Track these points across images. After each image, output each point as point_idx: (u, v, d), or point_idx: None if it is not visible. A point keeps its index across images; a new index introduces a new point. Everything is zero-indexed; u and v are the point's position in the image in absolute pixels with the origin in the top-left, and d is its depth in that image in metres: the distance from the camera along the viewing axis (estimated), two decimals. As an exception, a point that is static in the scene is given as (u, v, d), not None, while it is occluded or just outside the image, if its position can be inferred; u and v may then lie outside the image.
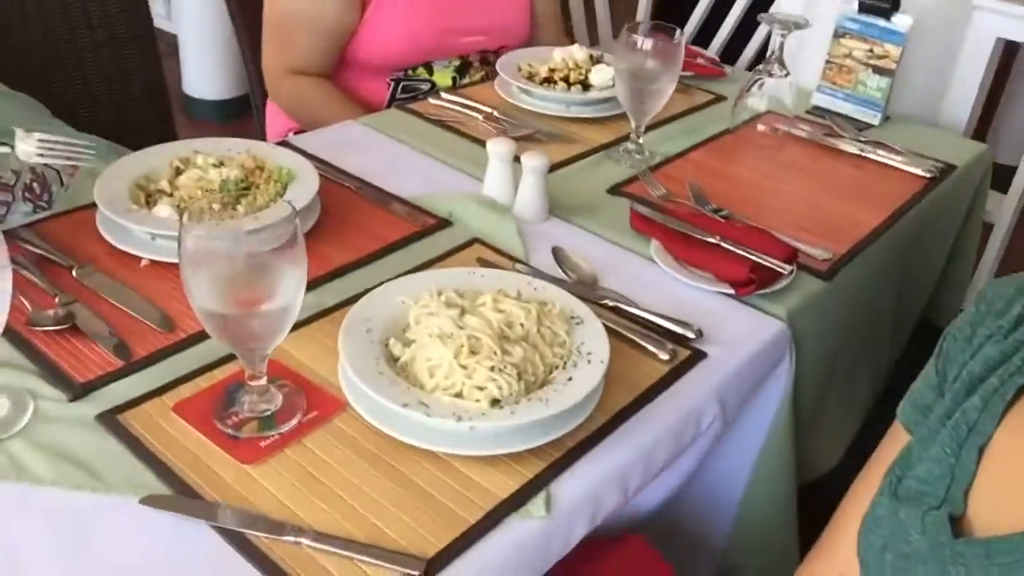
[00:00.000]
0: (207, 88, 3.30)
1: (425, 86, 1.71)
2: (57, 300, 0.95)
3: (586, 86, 1.55)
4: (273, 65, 1.68)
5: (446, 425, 0.78)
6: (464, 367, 0.81)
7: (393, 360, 0.87)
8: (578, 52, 1.59)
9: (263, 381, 0.82)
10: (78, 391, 0.85)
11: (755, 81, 1.49)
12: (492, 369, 0.81)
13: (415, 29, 1.63)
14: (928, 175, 1.41)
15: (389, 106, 1.70)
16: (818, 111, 1.62)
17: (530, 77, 1.57)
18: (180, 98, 3.29)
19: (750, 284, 1.06)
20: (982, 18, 1.70)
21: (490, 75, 1.76)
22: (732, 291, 1.07)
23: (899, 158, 1.45)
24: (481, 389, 0.81)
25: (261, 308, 0.76)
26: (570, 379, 0.84)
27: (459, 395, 0.81)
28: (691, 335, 0.99)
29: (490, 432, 0.79)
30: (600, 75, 1.55)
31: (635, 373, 0.93)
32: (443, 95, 1.57)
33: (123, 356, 0.89)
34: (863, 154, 1.46)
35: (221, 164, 1.14)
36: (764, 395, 1.06)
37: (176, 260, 1.00)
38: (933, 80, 1.73)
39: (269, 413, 0.83)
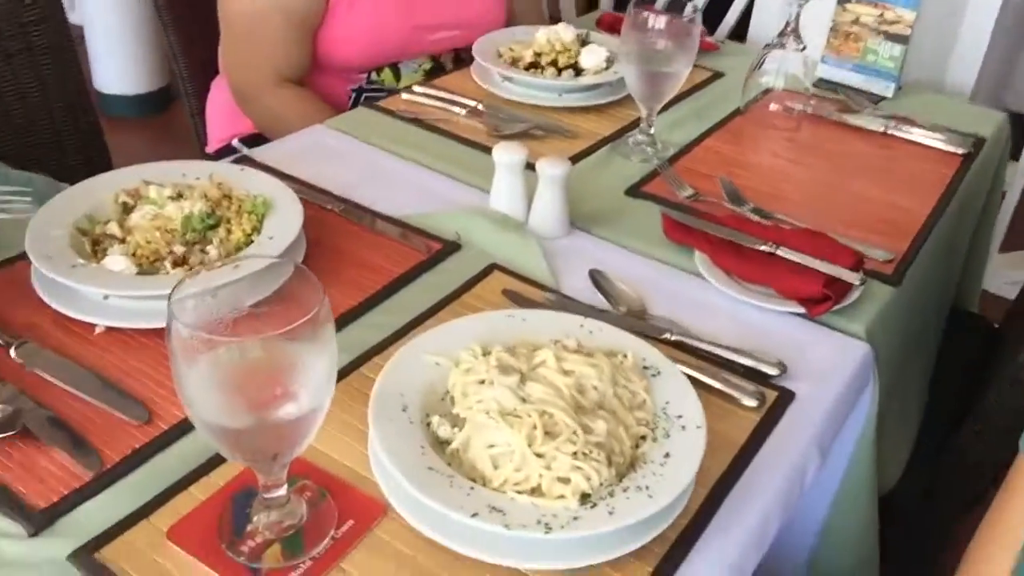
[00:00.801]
0: (121, 83, 3.00)
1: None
2: (-7, 393, 0.75)
3: (577, 70, 1.38)
4: (247, 76, 1.45)
5: (530, 535, 0.61)
6: (540, 455, 0.65)
7: (439, 443, 0.69)
8: (565, 32, 1.41)
9: (283, 491, 0.64)
10: (40, 521, 0.65)
11: (767, 56, 1.34)
12: (575, 455, 0.65)
13: (381, 23, 1.43)
14: (961, 152, 1.29)
15: (350, 113, 1.50)
16: (824, 84, 1.48)
17: (513, 63, 1.39)
18: (92, 95, 2.99)
19: (826, 301, 0.91)
20: (991, -27, 1.59)
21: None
22: (803, 310, 0.92)
23: (928, 134, 1.32)
24: (564, 481, 0.64)
25: (282, 412, 0.57)
26: (667, 455, 0.68)
27: (535, 490, 0.65)
28: (774, 372, 0.84)
29: (585, 538, 0.62)
30: (592, 57, 1.38)
31: (724, 427, 0.77)
32: (416, 88, 1.38)
33: (92, 465, 0.70)
34: (888, 131, 1.33)
35: (180, 196, 0.94)
36: (847, 423, 0.92)
37: (140, 324, 0.83)
38: (939, 42, 1.61)
39: (294, 531, 0.65)
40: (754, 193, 1.14)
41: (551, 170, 1.00)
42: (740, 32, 1.98)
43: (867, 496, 0.97)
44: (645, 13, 1.14)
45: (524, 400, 0.68)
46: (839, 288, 0.93)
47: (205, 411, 0.57)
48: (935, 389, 1.33)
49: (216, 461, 0.71)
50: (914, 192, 1.19)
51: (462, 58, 1.55)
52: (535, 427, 0.65)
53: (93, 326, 0.83)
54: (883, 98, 1.46)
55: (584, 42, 1.42)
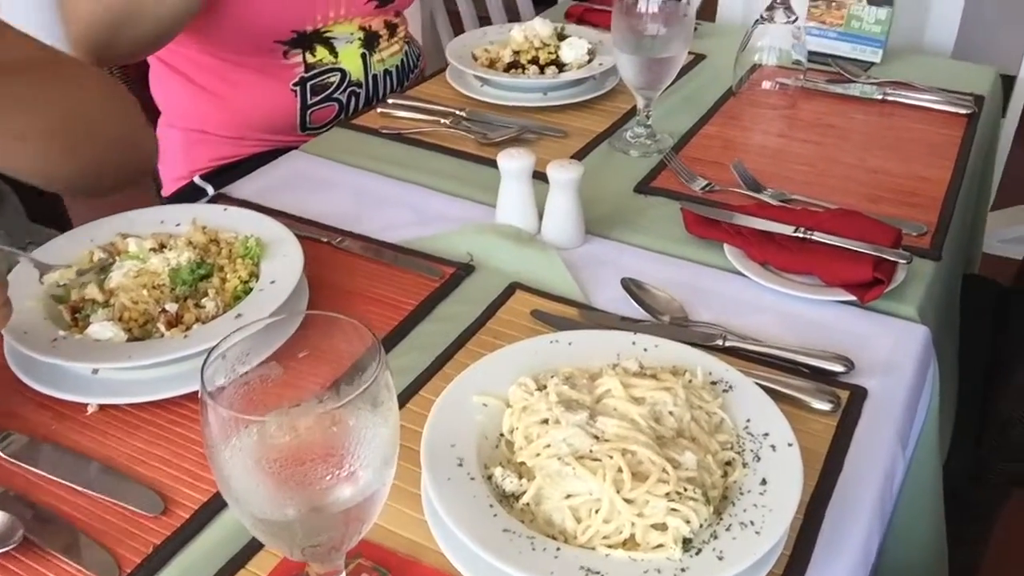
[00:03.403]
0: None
1: (335, 76, 1.40)
2: (-19, 500, 0.65)
3: (559, 66, 1.30)
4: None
5: (636, 597, 0.54)
6: (629, 501, 0.57)
7: (505, 498, 0.61)
8: (542, 27, 1.34)
9: (341, 579, 0.55)
10: (56, 651, 0.56)
11: (754, 32, 1.28)
12: (668, 496, 0.57)
13: None
14: (965, 112, 1.25)
15: (303, 116, 1.40)
16: (811, 56, 1.43)
17: (491, 65, 1.31)
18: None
19: (877, 285, 0.85)
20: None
21: (404, 48, 1.47)
22: (853, 297, 0.86)
23: (927, 97, 1.28)
24: (661, 528, 0.57)
25: (343, 496, 0.49)
26: (764, 482, 0.60)
27: (627, 542, 0.57)
28: (840, 368, 0.78)
29: (696, 592, 0.55)
30: (572, 51, 1.31)
31: (800, 437, 0.70)
32: (391, 101, 1.29)
33: (109, 572, 0.60)
34: (887, 98, 1.28)
35: (162, 246, 0.84)
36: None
37: (139, 398, 0.73)
38: (916, 2, 1.56)
39: (358, 624, 0.56)
40: (766, 176, 1.08)
41: (564, 174, 0.93)
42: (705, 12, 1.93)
43: (934, 484, 0.91)
44: (634, -2, 1.07)
45: (598, 439, 0.60)
46: (887, 269, 0.87)
47: (254, 503, 0.48)
48: (965, 359, 1.28)
49: (251, 550, 0.62)
50: (929, 159, 1.14)
51: (393, 24, 1.45)
52: (620, 470, 0.57)
53: (84, 406, 0.73)
54: (872, 64, 1.41)
55: (561, 36, 1.35)
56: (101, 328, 0.75)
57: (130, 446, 0.71)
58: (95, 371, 0.74)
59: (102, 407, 0.74)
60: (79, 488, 0.66)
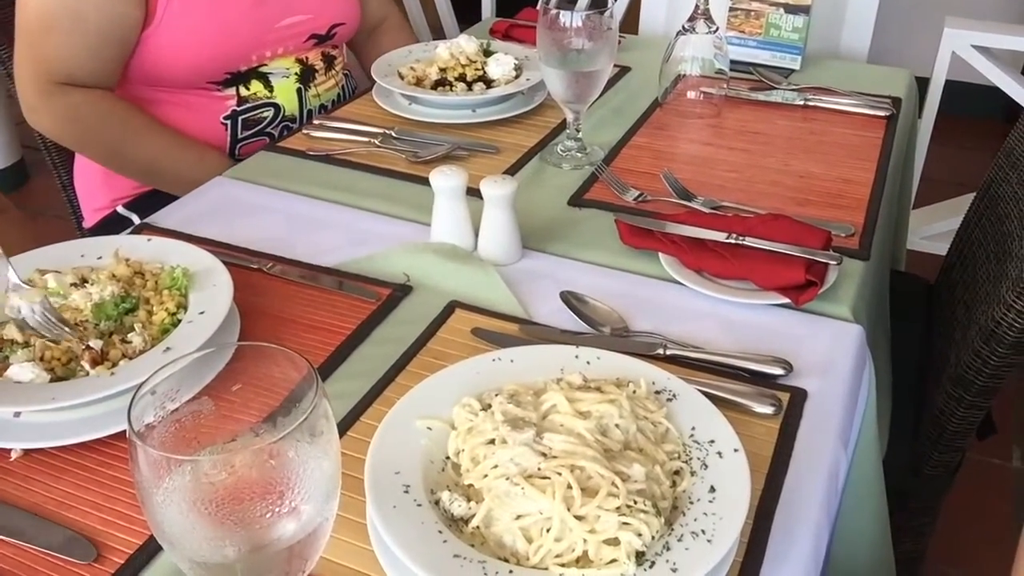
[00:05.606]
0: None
1: (268, 111, 1.38)
2: None
3: (486, 82, 1.30)
4: (28, 77, 1.26)
5: (592, 616, 0.53)
6: (580, 517, 0.56)
7: (454, 522, 0.60)
8: (467, 44, 1.33)
9: (287, 619, 0.53)
10: None
11: (677, 43, 1.29)
12: (619, 510, 0.57)
13: (223, 15, 1.28)
14: (884, 114, 1.28)
15: (233, 149, 1.37)
16: (733, 64, 1.45)
17: (418, 83, 1.30)
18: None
19: (810, 288, 0.87)
20: (873, -64, 1.60)
21: (340, 82, 1.46)
22: (787, 300, 0.87)
23: (847, 101, 1.31)
24: (613, 543, 0.56)
25: (285, 533, 0.47)
26: (713, 490, 0.60)
27: (581, 559, 0.56)
28: (780, 372, 0.79)
29: (652, 606, 0.54)
30: (499, 67, 1.31)
31: (747, 442, 0.70)
32: (316, 122, 1.27)
33: (38, 629, 0.57)
34: (809, 104, 1.31)
35: (84, 281, 0.81)
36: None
37: (64, 441, 0.70)
38: (831, 9, 1.61)
39: (308, 664, 0.54)
40: (696, 185, 1.09)
41: (498, 190, 0.92)
42: (627, 24, 1.95)
43: (876, 480, 0.93)
44: (556, 11, 1.08)
45: (546, 456, 0.60)
46: (819, 271, 0.88)
47: (190, 546, 0.46)
48: (897, 358, 1.31)
49: (192, 591, 0.59)
50: (852, 161, 1.17)
51: (331, 56, 1.44)
52: (570, 486, 0.57)
53: (8, 451, 0.70)
54: (792, 71, 1.44)
55: (487, 52, 1.35)
56: (21, 370, 0.71)
57: (58, 491, 0.67)
58: (17, 414, 0.70)
59: (27, 452, 0.70)
60: (5, 538, 0.62)
